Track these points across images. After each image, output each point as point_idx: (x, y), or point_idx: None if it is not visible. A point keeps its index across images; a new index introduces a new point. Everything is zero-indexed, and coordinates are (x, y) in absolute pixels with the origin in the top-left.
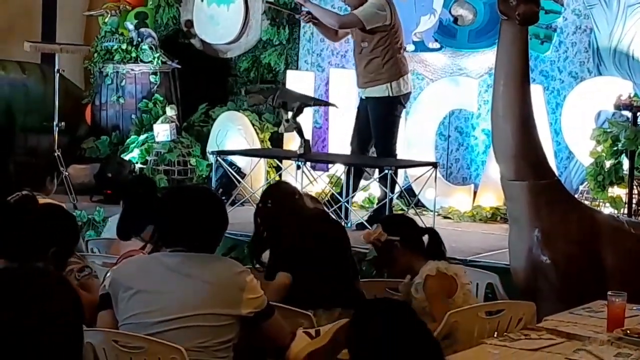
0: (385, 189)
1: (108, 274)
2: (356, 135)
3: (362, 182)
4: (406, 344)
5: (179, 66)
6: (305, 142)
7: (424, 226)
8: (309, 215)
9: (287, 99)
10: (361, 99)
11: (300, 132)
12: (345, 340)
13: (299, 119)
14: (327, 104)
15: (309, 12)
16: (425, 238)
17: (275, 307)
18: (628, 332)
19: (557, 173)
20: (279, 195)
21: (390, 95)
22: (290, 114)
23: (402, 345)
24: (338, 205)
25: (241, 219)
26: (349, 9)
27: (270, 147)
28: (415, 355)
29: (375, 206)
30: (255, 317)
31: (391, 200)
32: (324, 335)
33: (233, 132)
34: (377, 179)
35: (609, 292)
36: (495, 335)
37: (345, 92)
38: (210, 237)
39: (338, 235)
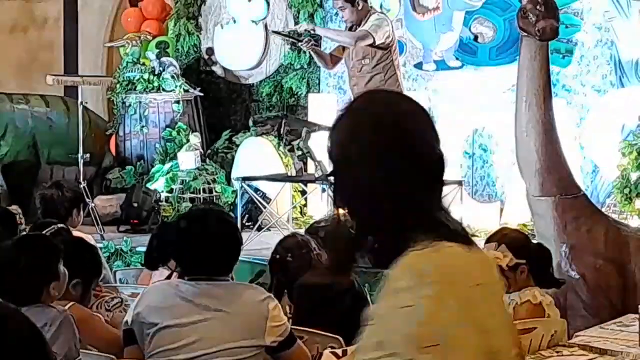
0: None
1: (131, 308)
2: None
3: None
4: None
5: (201, 94)
6: (319, 165)
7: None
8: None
9: (293, 126)
10: None
11: (312, 156)
12: None
13: (311, 143)
14: (329, 128)
15: (310, 40)
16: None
17: (296, 335)
18: None
19: (583, 187)
20: (297, 250)
21: None
22: (299, 141)
23: None
24: None
25: (268, 244)
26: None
27: (294, 171)
28: None
29: None
30: (279, 346)
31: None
32: (351, 355)
33: (257, 157)
34: None
35: None
36: (527, 353)
37: None
38: (225, 260)
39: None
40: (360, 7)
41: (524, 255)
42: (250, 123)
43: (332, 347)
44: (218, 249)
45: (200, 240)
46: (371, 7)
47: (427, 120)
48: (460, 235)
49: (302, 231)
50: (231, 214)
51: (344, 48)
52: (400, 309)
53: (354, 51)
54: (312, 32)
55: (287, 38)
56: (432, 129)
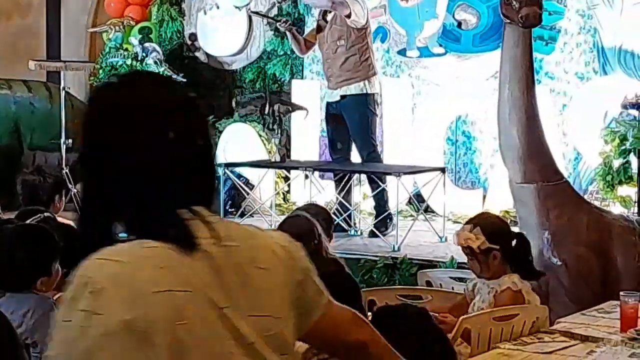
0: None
1: None
2: (337, 139)
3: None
4: (424, 349)
5: (185, 80)
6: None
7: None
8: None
9: (275, 103)
10: (331, 103)
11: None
12: None
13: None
14: (300, 108)
15: (287, 20)
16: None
17: None
18: None
19: (565, 174)
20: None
21: (367, 92)
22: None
23: (420, 350)
24: (347, 213)
25: None
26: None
27: (278, 157)
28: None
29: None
30: None
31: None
32: None
33: (240, 143)
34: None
35: (622, 292)
36: (509, 340)
37: None
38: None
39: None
40: None
41: (499, 241)
42: (233, 104)
43: None
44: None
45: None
46: None
47: (167, 110)
48: (180, 238)
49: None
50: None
51: (318, 32)
52: (62, 322)
53: (329, 33)
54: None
55: (266, 18)
56: (172, 121)
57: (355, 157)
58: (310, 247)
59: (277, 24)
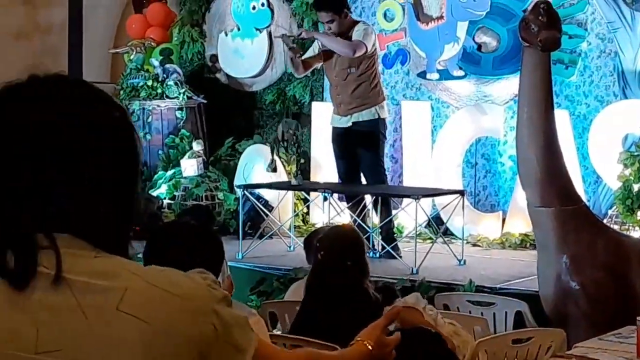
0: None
1: None
2: (346, 165)
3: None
4: None
5: (205, 101)
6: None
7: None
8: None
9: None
10: (340, 129)
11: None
12: None
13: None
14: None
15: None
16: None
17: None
18: None
19: (585, 198)
20: (332, 247)
21: (379, 117)
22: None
23: None
24: (366, 235)
25: (269, 252)
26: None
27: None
28: None
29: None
30: None
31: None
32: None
33: (260, 165)
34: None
35: (638, 318)
36: None
37: None
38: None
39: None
40: (347, 18)
41: None
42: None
43: None
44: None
45: (165, 253)
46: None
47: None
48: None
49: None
50: (233, 221)
51: (323, 57)
52: None
53: (338, 60)
54: (312, 39)
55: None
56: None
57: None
58: (360, 262)
59: (283, 37)
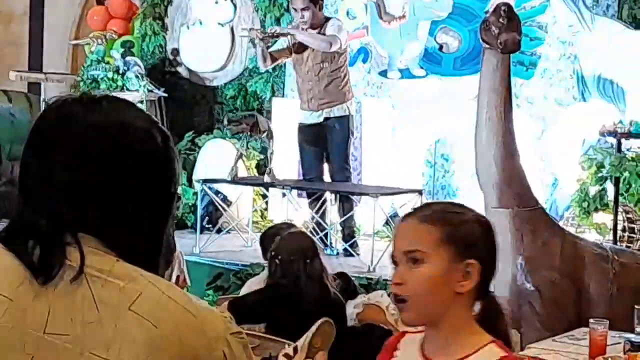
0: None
1: None
2: (312, 161)
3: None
4: None
5: (165, 94)
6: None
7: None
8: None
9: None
10: (308, 125)
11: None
12: None
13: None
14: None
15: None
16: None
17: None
18: None
19: (542, 200)
20: (287, 255)
21: (349, 114)
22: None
23: None
24: (324, 232)
25: (227, 247)
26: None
27: (256, 174)
28: None
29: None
30: None
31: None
32: (302, 349)
33: (219, 160)
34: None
35: (591, 320)
36: None
37: None
38: None
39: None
40: (320, 10)
41: None
42: (225, 122)
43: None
44: None
45: None
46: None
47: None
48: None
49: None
50: (191, 215)
51: (291, 51)
52: None
53: (310, 54)
54: (286, 36)
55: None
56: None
57: (326, 177)
58: (317, 260)
59: (251, 31)
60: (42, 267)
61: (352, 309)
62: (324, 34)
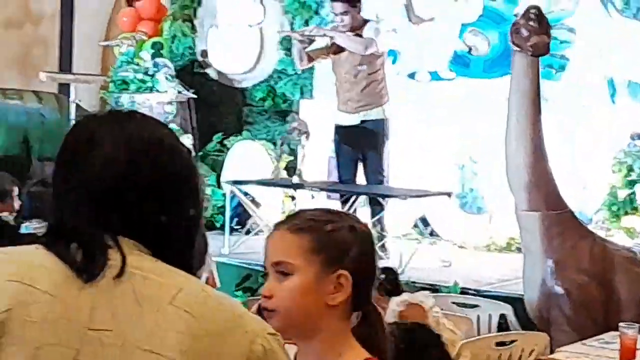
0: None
1: None
2: (348, 163)
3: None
4: None
5: (195, 96)
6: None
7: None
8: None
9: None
10: (345, 127)
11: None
12: None
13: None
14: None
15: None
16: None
17: None
18: None
19: (571, 203)
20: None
21: (385, 117)
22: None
23: None
24: None
25: (255, 248)
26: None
27: (286, 176)
28: None
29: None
30: None
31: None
32: None
33: (248, 161)
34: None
35: (621, 324)
36: None
37: None
38: None
39: None
40: (359, 13)
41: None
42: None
43: None
44: None
45: None
46: None
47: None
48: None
49: None
50: (220, 216)
51: (329, 52)
52: None
53: (349, 56)
54: (323, 35)
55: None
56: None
57: (359, 179)
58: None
59: (295, 34)
60: (86, 266)
61: (395, 306)
62: (361, 36)
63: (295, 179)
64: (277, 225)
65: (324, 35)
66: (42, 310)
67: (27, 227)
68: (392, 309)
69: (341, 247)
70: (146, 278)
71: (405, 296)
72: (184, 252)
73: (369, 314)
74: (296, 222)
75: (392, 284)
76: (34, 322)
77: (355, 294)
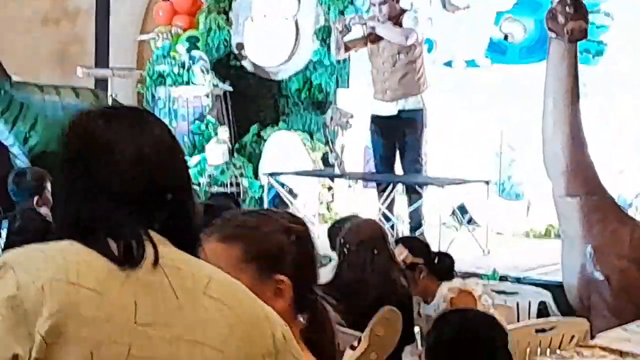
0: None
1: None
2: (387, 152)
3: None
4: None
5: (231, 88)
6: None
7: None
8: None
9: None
10: (383, 116)
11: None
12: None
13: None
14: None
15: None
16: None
17: None
18: None
19: (610, 188)
20: (358, 242)
21: (423, 107)
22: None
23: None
24: (390, 224)
25: None
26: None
27: (322, 166)
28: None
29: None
30: None
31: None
32: (365, 339)
33: (284, 152)
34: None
35: None
36: (547, 353)
37: None
38: None
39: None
40: (398, 2)
41: (421, 255)
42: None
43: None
44: None
45: None
46: None
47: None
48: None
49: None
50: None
51: (366, 42)
52: None
53: (387, 45)
54: (364, 25)
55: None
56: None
57: (397, 169)
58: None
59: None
60: (127, 257)
61: (445, 291)
62: (400, 26)
63: (336, 169)
64: (208, 235)
65: (365, 24)
66: (92, 308)
67: None
68: (443, 294)
69: (275, 253)
70: (179, 269)
71: (456, 282)
72: (196, 242)
73: (317, 314)
74: (225, 230)
75: (447, 269)
76: (87, 321)
77: (297, 297)
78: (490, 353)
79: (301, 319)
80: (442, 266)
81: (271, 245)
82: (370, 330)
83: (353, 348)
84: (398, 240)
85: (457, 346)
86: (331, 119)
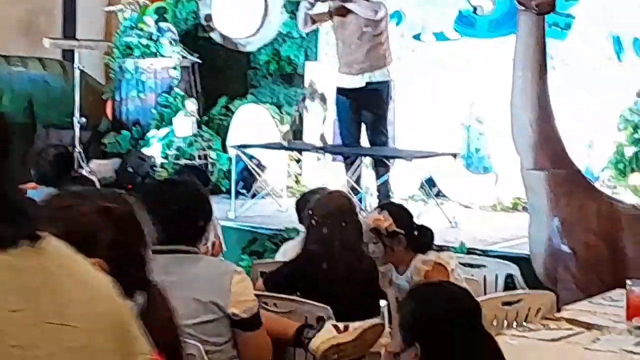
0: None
1: None
2: (353, 125)
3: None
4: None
5: (199, 60)
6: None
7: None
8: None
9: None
10: (349, 89)
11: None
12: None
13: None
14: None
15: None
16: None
17: (262, 321)
18: None
19: (577, 162)
20: (326, 214)
21: (389, 79)
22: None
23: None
24: (358, 196)
25: (261, 212)
26: None
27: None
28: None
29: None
30: (241, 323)
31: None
32: (353, 332)
33: (252, 125)
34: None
35: (628, 281)
36: (514, 326)
37: None
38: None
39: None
40: None
41: (404, 226)
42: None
43: (321, 317)
44: (180, 219)
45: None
46: None
47: None
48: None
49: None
50: (226, 181)
51: (331, 15)
52: None
53: (354, 18)
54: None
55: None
56: None
57: (363, 142)
58: (354, 224)
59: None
60: None
61: (420, 264)
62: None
63: (318, 142)
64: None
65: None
66: None
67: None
68: (417, 266)
69: (86, 235)
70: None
71: (431, 255)
72: None
73: (151, 298)
74: (43, 212)
75: (427, 243)
76: None
77: (120, 280)
78: (479, 325)
79: (139, 299)
80: (422, 239)
81: (83, 227)
82: (362, 331)
83: (336, 328)
84: (383, 206)
85: (446, 319)
86: (310, 94)
